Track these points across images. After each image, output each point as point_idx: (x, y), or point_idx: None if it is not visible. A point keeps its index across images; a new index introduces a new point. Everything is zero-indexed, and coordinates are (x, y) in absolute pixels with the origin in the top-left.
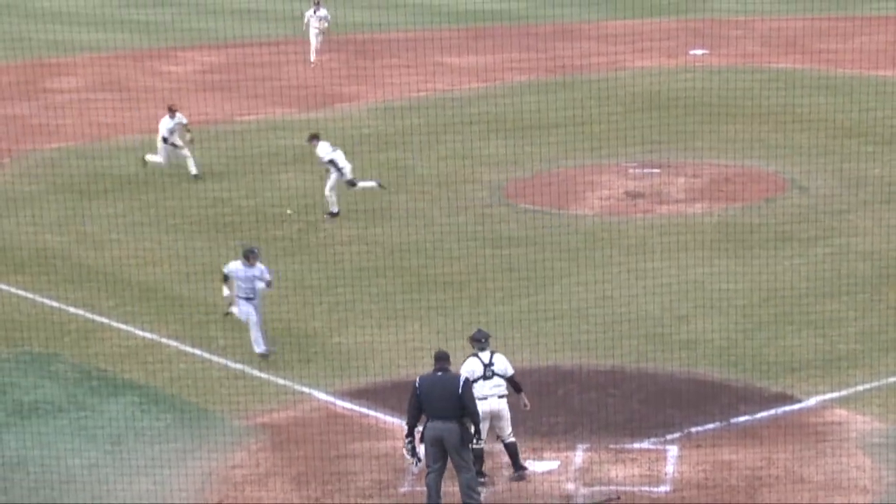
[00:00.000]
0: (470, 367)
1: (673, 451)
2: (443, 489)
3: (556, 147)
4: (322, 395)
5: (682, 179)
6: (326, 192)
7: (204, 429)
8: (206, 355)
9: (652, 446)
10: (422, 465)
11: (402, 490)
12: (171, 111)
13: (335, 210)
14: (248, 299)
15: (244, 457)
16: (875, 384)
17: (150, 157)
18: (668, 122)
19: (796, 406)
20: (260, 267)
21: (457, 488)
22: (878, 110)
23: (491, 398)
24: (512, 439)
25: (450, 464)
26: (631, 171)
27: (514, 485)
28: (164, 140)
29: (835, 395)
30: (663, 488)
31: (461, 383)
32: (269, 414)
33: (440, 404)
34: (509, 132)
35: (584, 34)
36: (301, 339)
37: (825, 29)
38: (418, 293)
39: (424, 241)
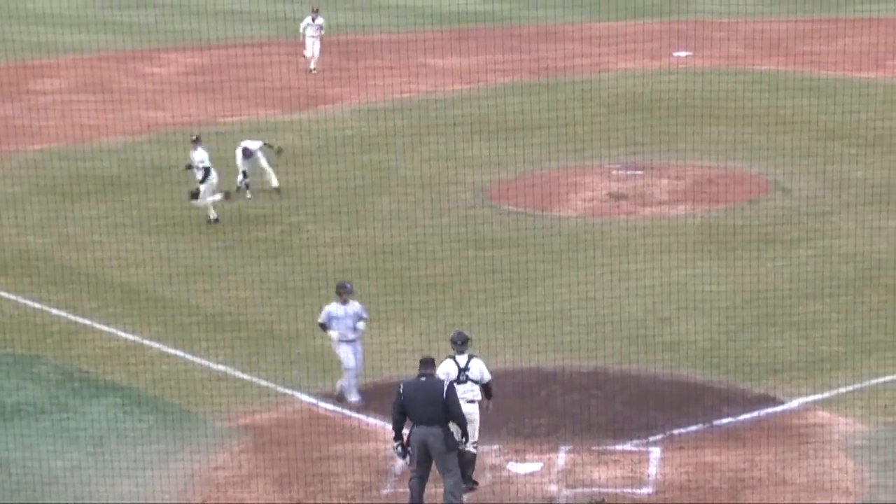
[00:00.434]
0: (445, 370)
1: (656, 452)
2: (426, 491)
3: (540, 148)
4: (305, 397)
5: (665, 181)
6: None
7: (186, 430)
8: (189, 357)
9: (634, 448)
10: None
11: (384, 492)
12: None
13: (214, 216)
14: (348, 342)
15: (227, 458)
16: (857, 386)
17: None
18: (652, 124)
19: (779, 408)
20: (356, 304)
21: (440, 489)
22: (861, 112)
23: (461, 401)
24: (473, 450)
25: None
26: (614, 172)
27: (497, 487)
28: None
29: (817, 396)
30: (646, 490)
31: (445, 388)
32: (251, 415)
33: (424, 409)
34: (493, 134)
35: (567, 36)
36: (284, 340)
37: (808, 31)
38: (401, 295)
39: (407, 242)
